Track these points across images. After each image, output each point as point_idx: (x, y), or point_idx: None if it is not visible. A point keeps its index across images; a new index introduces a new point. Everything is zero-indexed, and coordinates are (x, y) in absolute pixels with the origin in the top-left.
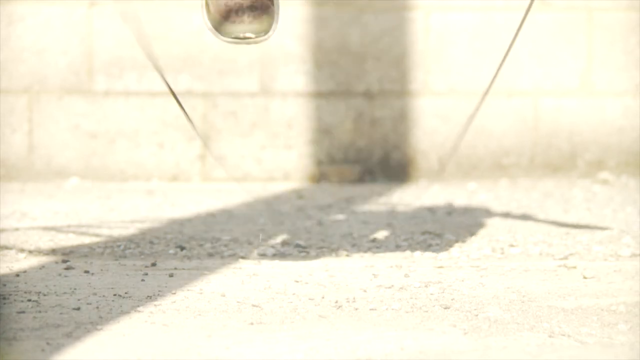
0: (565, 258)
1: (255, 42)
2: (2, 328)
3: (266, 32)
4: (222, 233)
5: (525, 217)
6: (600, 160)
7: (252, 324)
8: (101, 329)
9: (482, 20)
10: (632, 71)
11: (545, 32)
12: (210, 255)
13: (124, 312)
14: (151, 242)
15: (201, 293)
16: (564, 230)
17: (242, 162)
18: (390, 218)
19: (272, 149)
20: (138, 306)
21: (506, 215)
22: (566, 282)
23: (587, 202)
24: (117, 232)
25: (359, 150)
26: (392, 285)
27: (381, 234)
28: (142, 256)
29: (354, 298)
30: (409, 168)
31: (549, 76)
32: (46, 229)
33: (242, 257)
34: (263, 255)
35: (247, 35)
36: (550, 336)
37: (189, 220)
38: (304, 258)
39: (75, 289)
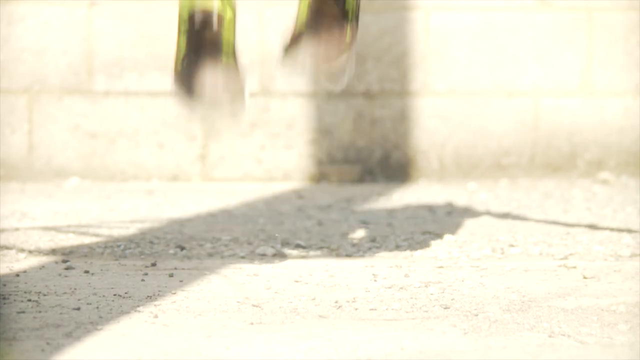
0: (565, 258)
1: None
2: (2, 328)
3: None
4: (222, 233)
5: (518, 217)
6: (600, 160)
7: (252, 324)
8: (101, 329)
9: (482, 20)
10: (632, 71)
11: (545, 32)
12: (210, 255)
13: (124, 312)
14: (151, 242)
15: (201, 293)
16: (563, 230)
17: (242, 162)
18: (390, 218)
19: (272, 149)
20: (138, 306)
21: (505, 215)
22: (566, 282)
23: (587, 202)
24: (117, 232)
25: (359, 150)
26: (392, 285)
27: (381, 234)
28: (142, 256)
29: (354, 298)
30: (409, 168)
31: (549, 76)
32: (46, 229)
33: (242, 257)
34: (263, 255)
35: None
36: (550, 336)
37: (189, 220)
38: (304, 258)
39: (75, 289)
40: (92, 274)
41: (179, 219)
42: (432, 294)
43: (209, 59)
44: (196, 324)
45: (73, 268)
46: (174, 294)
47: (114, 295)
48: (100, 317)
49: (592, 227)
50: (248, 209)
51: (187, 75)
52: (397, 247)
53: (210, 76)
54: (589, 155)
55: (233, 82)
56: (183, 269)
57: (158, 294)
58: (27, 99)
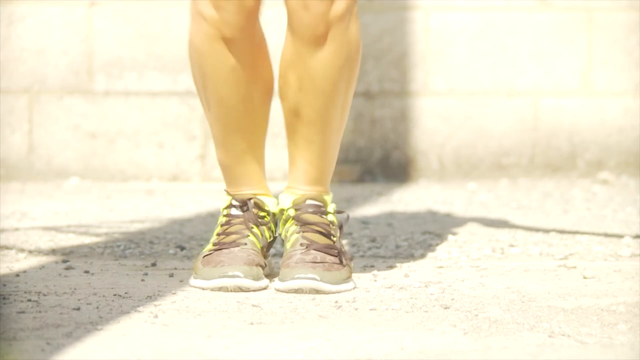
0: (565, 258)
1: (247, 288)
2: (2, 328)
3: (256, 276)
4: None
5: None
6: (600, 160)
7: (252, 324)
8: (101, 329)
9: (482, 20)
10: (632, 71)
11: (545, 32)
12: None
13: (124, 312)
14: (151, 242)
15: (201, 293)
16: (563, 230)
17: None
18: (390, 218)
19: (272, 149)
20: (138, 306)
21: (506, 215)
22: (566, 282)
23: (587, 202)
24: (117, 232)
25: (359, 150)
26: (392, 285)
27: (381, 234)
28: (142, 256)
29: (354, 298)
30: (409, 168)
31: (549, 76)
32: (46, 229)
33: None
34: None
35: (236, 274)
36: (550, 336)
37: (189, 220)
38: None
39: (75, 289)
40: (92, 274)
41: (179, 219)
42: (432, 294)
43: (232, 246)
44: (196, 324)
45: (73, 268)
46: (174, 294)
47: (114, 295)
48: (100, 317)
49: (592, 227)
50: None
51: (208, 256)
52: (397, 247)
53: (230, 253)
54: (589, 155)
55: (254, 257)
56: (183, 269)
57: (158, 294)
58: (27, 99)
